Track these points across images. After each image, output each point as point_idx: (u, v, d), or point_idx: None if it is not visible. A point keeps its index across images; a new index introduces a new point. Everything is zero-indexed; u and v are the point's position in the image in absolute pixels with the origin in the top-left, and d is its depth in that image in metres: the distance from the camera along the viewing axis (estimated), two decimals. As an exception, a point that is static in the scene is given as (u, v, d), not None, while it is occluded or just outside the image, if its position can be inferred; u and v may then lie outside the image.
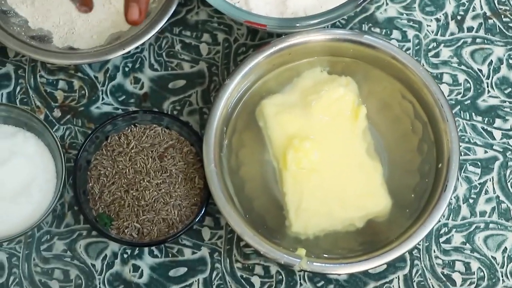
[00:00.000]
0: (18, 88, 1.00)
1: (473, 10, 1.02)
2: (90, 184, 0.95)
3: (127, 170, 0.94)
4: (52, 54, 0.96)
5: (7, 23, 0.97)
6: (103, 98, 1.00)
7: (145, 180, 0.93)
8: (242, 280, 0.96)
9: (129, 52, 0.98)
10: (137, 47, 0.98)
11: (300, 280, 0.96)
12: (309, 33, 0.95)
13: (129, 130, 0.96)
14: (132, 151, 0.95)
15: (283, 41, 0.95)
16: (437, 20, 1.02)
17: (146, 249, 0.96)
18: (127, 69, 1.01)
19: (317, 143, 0.94)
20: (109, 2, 1.00)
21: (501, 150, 0.99)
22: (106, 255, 0.96)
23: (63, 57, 0.96)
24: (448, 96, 1.00)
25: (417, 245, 0.95)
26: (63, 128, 0.99)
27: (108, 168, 0.94)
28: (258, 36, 1.02)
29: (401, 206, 0.94)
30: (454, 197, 0.98)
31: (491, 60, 1.01)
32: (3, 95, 0.99)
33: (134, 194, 0.93)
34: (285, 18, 0.94)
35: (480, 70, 1.01)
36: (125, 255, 0.96)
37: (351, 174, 0.94)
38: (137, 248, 0.96)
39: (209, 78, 1.01)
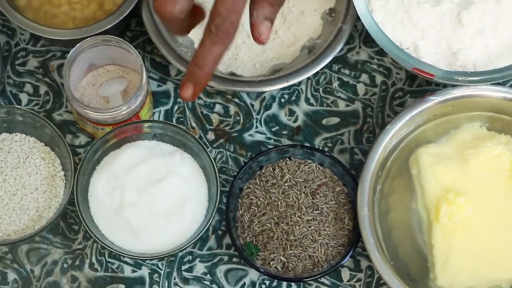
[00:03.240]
0: (176, 107, 1.01)
1: None
2: (240, 212, 0.95)
3: (279, 203, 0.94)
4: (215, 79, 0.97)
5: (176, 42, 0.99)
6: (256, 127, 1.01)
7: (296, 215, 0.94)
8: (377, 326, 0.96)
9: (289, 84, 0.98)
10: (294, 79, 0.99)
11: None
12: (476, 87, 0.94)
13: (284, 163, 0.96)
14: (286, 184, 0.95)
15: (449, 93, 0.95)
16: None
17: (284, 283, 0.96)
18: (283, 100, 1.02)
19: (471, 199, 0.93)
20: (275, 33, 1.00)
21: None
22: (244, 283, 0.96)
23: (226, 83, 0.97)
24: None
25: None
26: (215, 151, 1.00)
27: (260, 198, 0.95)
28: (416, 83, 1.02)
29: (551, 273, 0.93)
30: None
31: None
32: (160, 112, 1.01)
33: (284, 227, 0.93)
34: (454, 71, 0.94)
35: None
36: (263, 286, 0.96)
37: (502, 234, 0.93)
38: (276, 281, 0.96)
39: (363, 119, 1.01)
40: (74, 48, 0.93)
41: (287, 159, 0.97)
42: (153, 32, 0.98)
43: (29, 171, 0.93)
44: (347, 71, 1.02)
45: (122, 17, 0.96)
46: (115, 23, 0.96)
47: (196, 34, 1.01)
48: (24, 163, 0.94)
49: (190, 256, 0.97)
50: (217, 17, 0.78)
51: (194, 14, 0.83)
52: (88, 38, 0.93)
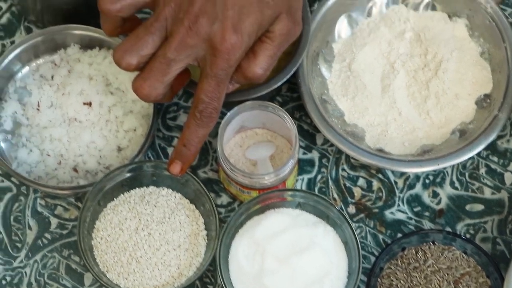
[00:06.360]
0: (319, 177, 1.01)
1: None
2: (378, 292, 0.94)
3: (421, 288, 0.93)
4: (365, 154, 0.97)
5: (327, 113, 0.99)
6: (398, 205, 1.00)
7: (438, 303, 0.92)
8: None
9: (435, 166, 0.97)
10: (440, 161, 0.98)
11: None
12: None
13: (428, 247, 0.95)
14: (429, 269, 0.93)
15: None
16: None
17: None
18: (427, 181, 1.00)
19: None
20: (426, 112, 0.99)
21: None
22: None
23: (374, 158, 0.96)
24: None
25: None
26: (355, 225, 0.99)
27: (401, 281, 0.93)
28: None
29: None
30: None
31: None
32: (304, 180, 1.00)
33: (425, 314, 0.92)
34: None
35: None
36: None
37: None
38: None
39: (508, 209, 0.99)
40: (232, 111, 0.93)
41: (431, 243, 0.95)
42: (308, 101, 0.98)
43: (174, 227, 0.94)
44: (495, 159, 1.01)
45: (278, 84, 0.96)
46: (271, 89, 0.96)
47: (346, 107, 1.00)
48: (169, 218, 0.94)
49: (321, 330, 0.96)
50: (200, 104, 0.87)
51: (178, 79, 0.89)
52: (247, 102, 0.94)
